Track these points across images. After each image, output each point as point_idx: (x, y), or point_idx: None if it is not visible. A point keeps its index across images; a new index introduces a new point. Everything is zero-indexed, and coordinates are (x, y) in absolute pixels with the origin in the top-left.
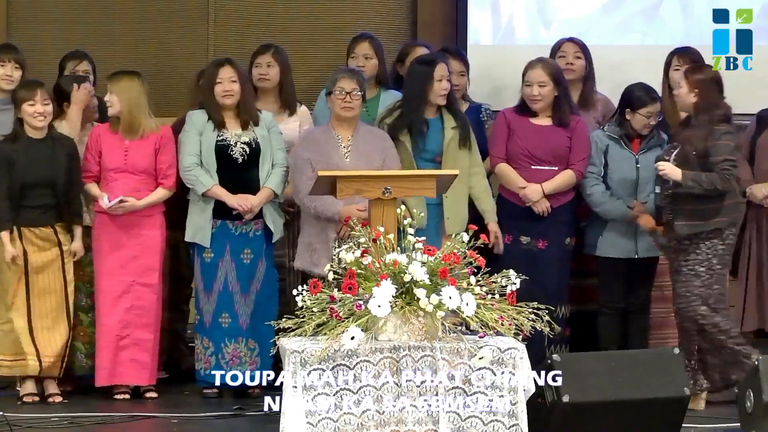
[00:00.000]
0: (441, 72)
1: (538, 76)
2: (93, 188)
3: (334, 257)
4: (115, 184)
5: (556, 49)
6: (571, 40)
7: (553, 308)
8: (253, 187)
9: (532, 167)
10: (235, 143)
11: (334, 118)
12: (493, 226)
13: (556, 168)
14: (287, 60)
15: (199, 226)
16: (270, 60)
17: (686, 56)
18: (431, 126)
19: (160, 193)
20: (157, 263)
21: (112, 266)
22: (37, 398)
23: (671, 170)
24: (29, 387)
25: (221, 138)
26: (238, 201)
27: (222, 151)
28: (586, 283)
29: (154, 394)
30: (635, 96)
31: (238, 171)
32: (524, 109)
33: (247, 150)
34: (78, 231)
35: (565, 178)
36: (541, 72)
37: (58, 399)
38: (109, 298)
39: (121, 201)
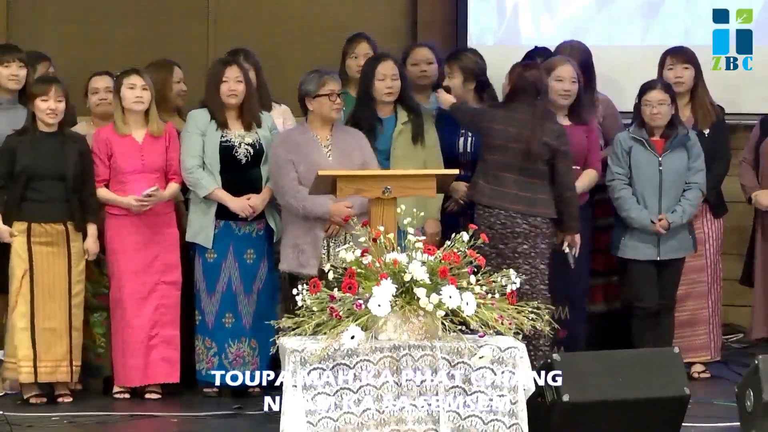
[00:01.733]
0: (383, 70)
1: (570, 72)
2: (107, 193)
3: (323, 257)
4: (132, 185)
5: (559, 52)
6: (570, 45)
7: (585, 306)
8: (256, 188)
9: None
10: (239, 144)
11: (317, 118)
12: (430, 225)
13: (578, 167)
14: (258, 59)
15: (201, 227)
16: (245, 65)
17: (680, 56)
18: (386, 124)
19: (175, 188)
20: (177, 260)
21: (135, 267)
22: (44, 399)
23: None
24: (33, 388)
25: (225, 139)
26: (241, 206)
27: (226, 151)
28: (611, 281)
29: (156, 396)
30: (641, 88)
31: (241, 172)
32: None
33: (251, 151)
34: (92, 229)
35: (591, 177)
36: (572, 69)
37: (68, 399)
38: (135, 299)
39: (150, 195)
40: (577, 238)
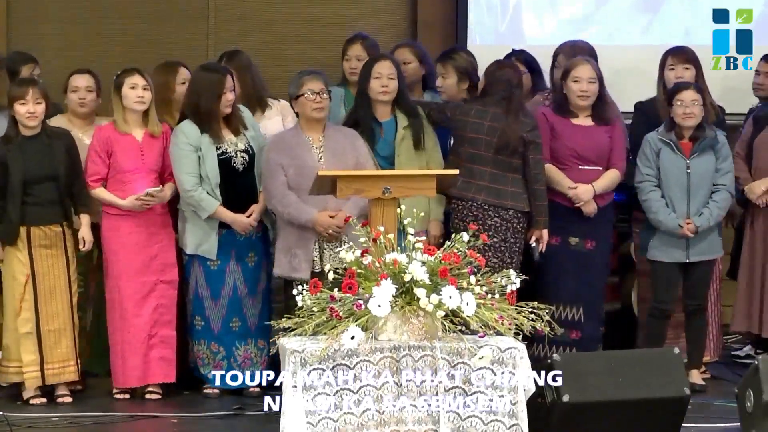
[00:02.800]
0: (379, 69)
1: (587, 72)
2: (104, 194)
3: (315, 259)
4: (132, 185)
5: (560, 52)
6: (573, 45)
7: (600, 308)
8: (251, 194)
9: (580, 167)
10: (235, 153)
11: (304, 120)
12: (434, 226)
13: (600, 168)
14: (244, 59)
15: (203, 239)
16: (229, 67)
17: (681, 56)
18: (386, 128)
19: (173, 188)
20: (174, 259)
21: (135, 267)
22: (44, 399)
23: None
24: (32, 390)
25: (221, 150)
26: (243, 227)
27: (225, 164)
28: (612, 282)
29: (156, 395)
30: (671, 89)
31: (238, 179)
32: (563, 108)
33: (247, 158)
34: (86, 219)
35: (611, 177)
36: (590, 69)
37: (68, 399)
38: (135, 299)
39: (149, 194)
40: (545, 233)
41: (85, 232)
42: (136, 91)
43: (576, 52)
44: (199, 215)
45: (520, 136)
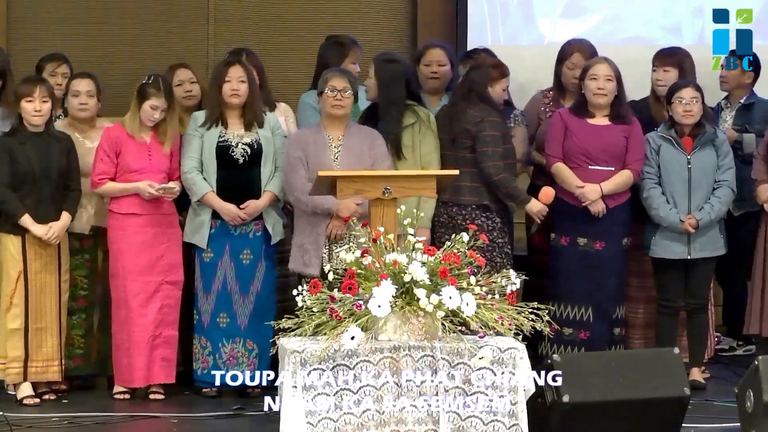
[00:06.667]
0: (372, 72)
1: (604, 70)
2: (115, 185)
3: (324, 256)
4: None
5: (564, 50)
6: (579, 42)
7: (610, 309)
8: (254, 188)
9: (589, 167)
10: (237, 144)
11: (325, 117)
12: (419, 233)
13: (613, 168)
14: (260, 60)
15: (197, 227)
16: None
17: (662, 58)
18: None
19: (180, 184)
20: (180, 260)
21: (140, 267)
22: (37, 400)
23: None
24: (26, 389)
25: (223, 138)
26: (231, 216)
27: (223, 151)
28: None
29: (159, 396)
30: (670, 88)
31: (238, 171)
32: (581, 109)
33: (249, 151)
34: (66, 217)
35: (622, 178)
36: (607, 67)
37: (53, 397)
38: (141, 299)
39: (165, 189)
40: (539, 202)
41: (58, 228)
42: (154, 112)
43: (583, 48)
44: (191, 197)
45: (465, 129)
